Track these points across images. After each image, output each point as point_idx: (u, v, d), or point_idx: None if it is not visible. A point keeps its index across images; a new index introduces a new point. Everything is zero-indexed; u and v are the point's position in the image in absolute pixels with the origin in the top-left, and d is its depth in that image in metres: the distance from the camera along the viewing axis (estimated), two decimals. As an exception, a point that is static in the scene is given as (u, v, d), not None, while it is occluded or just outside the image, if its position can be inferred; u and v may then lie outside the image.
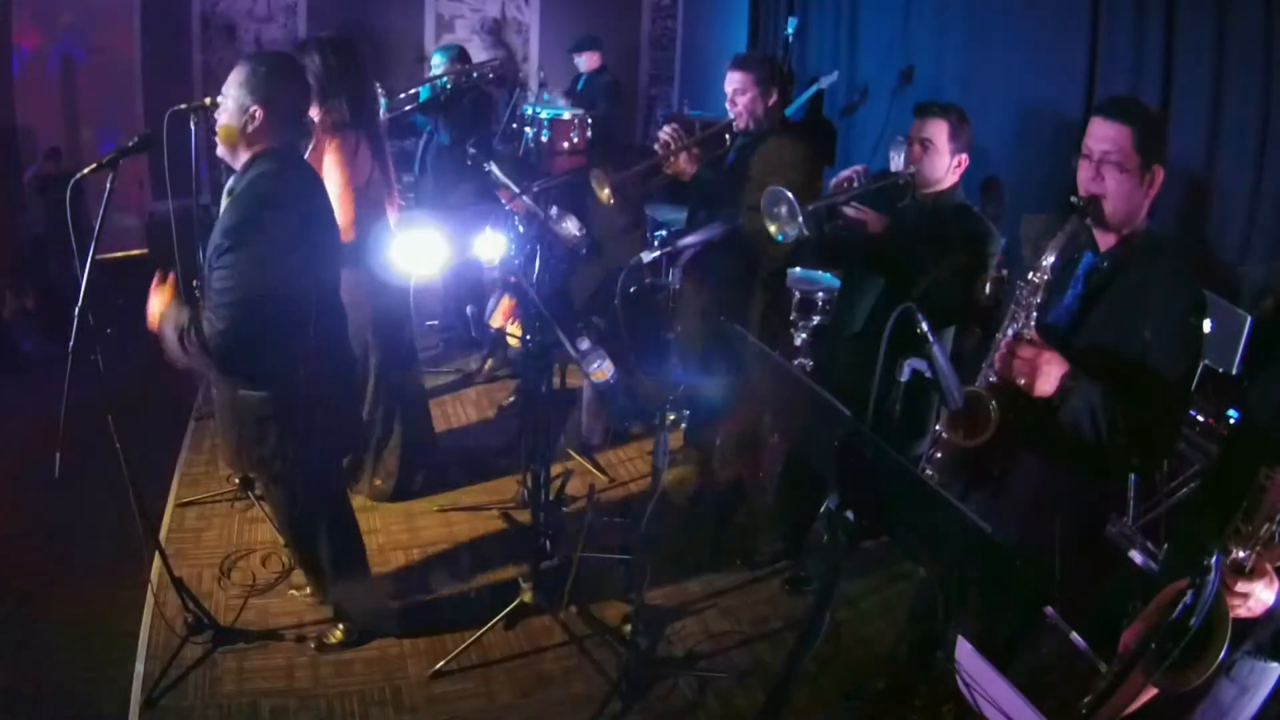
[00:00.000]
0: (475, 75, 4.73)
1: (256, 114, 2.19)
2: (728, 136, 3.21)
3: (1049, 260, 1.96)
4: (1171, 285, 1.95)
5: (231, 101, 2.21)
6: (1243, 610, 1.52)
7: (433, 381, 4.79)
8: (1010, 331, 2.02)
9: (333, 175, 3.00)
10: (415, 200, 5.01)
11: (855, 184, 2.77)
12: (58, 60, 5.96)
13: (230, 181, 2.31)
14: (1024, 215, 2.16)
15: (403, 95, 4.42)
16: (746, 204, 2.92)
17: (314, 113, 3.06)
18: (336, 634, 2.78)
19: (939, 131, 2.67)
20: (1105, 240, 2.03)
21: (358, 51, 3.08)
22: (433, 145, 4.81)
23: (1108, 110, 1.95)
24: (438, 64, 4.77)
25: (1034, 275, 1.98)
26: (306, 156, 3.14)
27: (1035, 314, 2.00)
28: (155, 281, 2.35)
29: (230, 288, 2.14)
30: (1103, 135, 1.94)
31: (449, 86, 4.62)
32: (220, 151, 2.30)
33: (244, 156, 2.25)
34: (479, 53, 7.79)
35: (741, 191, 3.07)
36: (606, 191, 3.19)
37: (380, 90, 3.85)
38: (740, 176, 3.12)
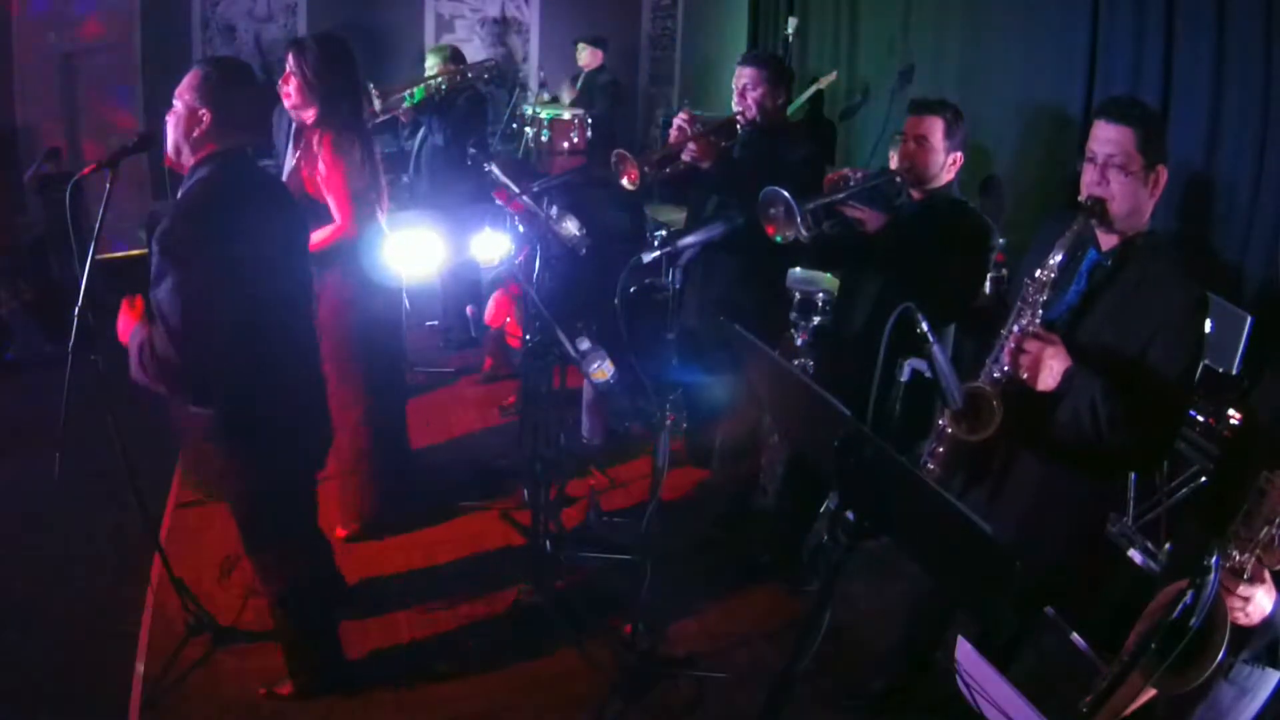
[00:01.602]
0: (470, 75, 4.72)
1: (204, 117, 2.15)
2: (738, 128, 3.20)
3: (1056, 258, 1.97)
4: (1173, 284, 1.95)
5: (182, 105, 2.18)
6: (1241, 616, 1.51)
7: (433, 381, 4.80)
8: (1016, 327, 2.02)
9: (329, 175, 2.99)
10: (411, 200, 5.02)
11: (850, 182, 2.77)
12: (58, 60, 5.96)
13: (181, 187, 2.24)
14: (1053, 214, 2.19)
15: (395, 96, 4.41)
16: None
17: (308, 115, 3.06)
18: (287, 685, 2.61)
19: (934, 129, 2.66)
20: (1108, 240, 2.04)
21: (350, 51, 3.08)
22: (428, 146, 4.81)
23: (1110, 112, 1.96)
24: (431, 65, 4.77)
25: (1040, 272, 1.99)
26: (298, 158, 3.13)
27: (1040, 310, 2.01)
28: (125, 303, 2.29)
29: (175, 301, 2.07)
30: (1106, 137, 1.95)
31: (444, 87, 4.61)
32: (169, 151, 2.24)
33: (190, 161, 2.21)
34: (480, 52, 7.80)
35: (748, 189, 3.06)
36: (634, 174, 3.16)
37: (374, 91, 3.85)
38: (747, 173, 3.12)
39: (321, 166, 2.98)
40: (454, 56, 4.80)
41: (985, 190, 4.51)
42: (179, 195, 2.20)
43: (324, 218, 3.02)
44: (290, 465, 2.47)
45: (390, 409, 3.49)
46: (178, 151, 2.23)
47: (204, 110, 2.16)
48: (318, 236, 2.91)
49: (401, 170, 5.13)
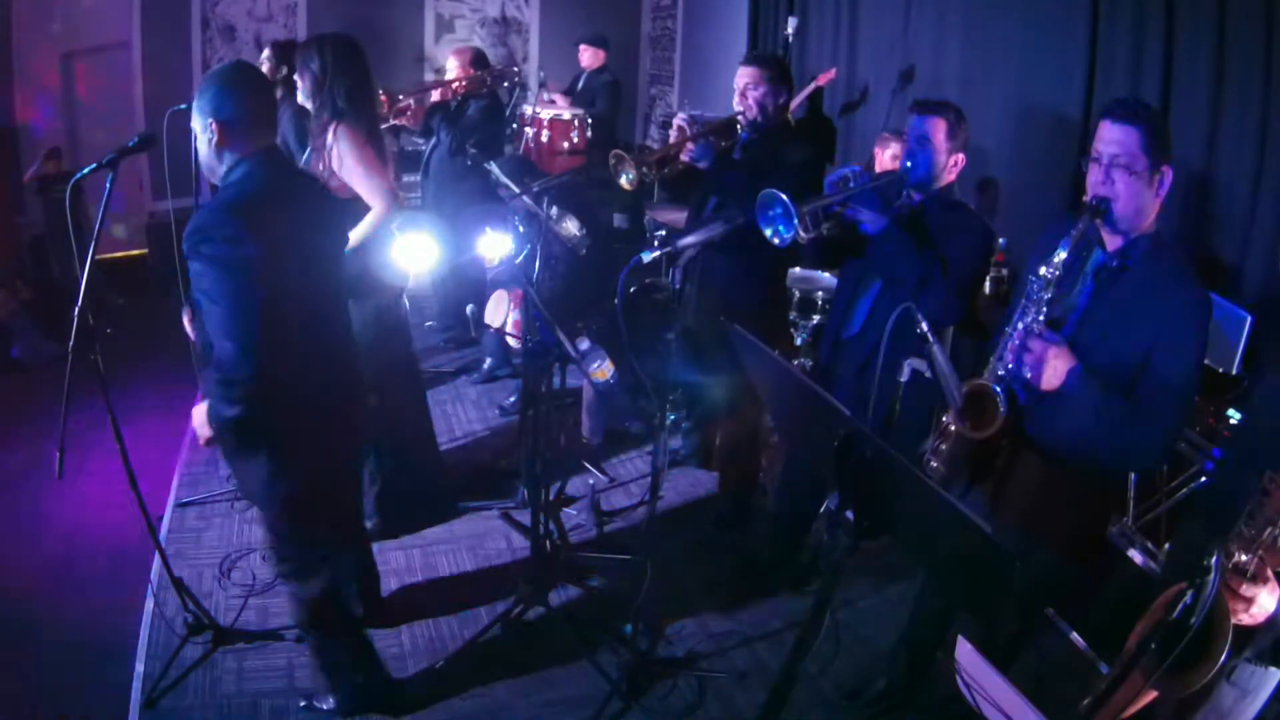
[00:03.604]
0: (490, 82, 4.70)
1: (213, 127, 2.15)
2: (739, 128, 3.19)
3: (1061, 257, 1.97)
4: (1177, 285, 1.96)
5: (197, 119, 2.19)
6: (1244, 616, 1.51)
7: (433, 381, 4.79)
8: (1021, 325, 2.03)
9: (349, 164, 2.98)
10: (420, 202, 5.02)
11: (851, 184, 2.77)
12: (58, 60, 5.96)
13: None
14: (1053, 214, 2.20)
15: (401, 95, 4.40)
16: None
17: (321, 113, 3.05)
18: (329, 702, 2.58)
19: (936, 129, 2.66)
20: (1113, 240, 2.04)
21: (357, 48, 3.08)
22: (437, 152, 4.81)
23: (1116, 113, 1.96)
24: (452, 68, 4.74)
25: (1046, 271, 1.99)
26: (312, 155, 3.12)
27: (1045, 309, 2.01)
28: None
29: (217, 290, 2.04)
30: (1111, 138, 1.95)
31: (461, 94, 4.59)
32: (205, 172, 2.26)
33: (220, 170, 2.22)
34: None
35: (748, 189, 3.06)
36: (632, 175, 3.14)
37: (383, 95, 3.83)
38: (747, 174, 3.12)
39: (342, 161, 2.98)
40: (476, 61, 4.76)
41: (983, 190, 4.52)
42: (210, 199, 2.20)
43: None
44: (327, 466, 2.42)
45: (404, 408, 3.49)
46: (210, 169, 2.23)
47: (210, 121, 2.15)
48: (362, 229, 2.90)
49: (411, 171, 5.13)
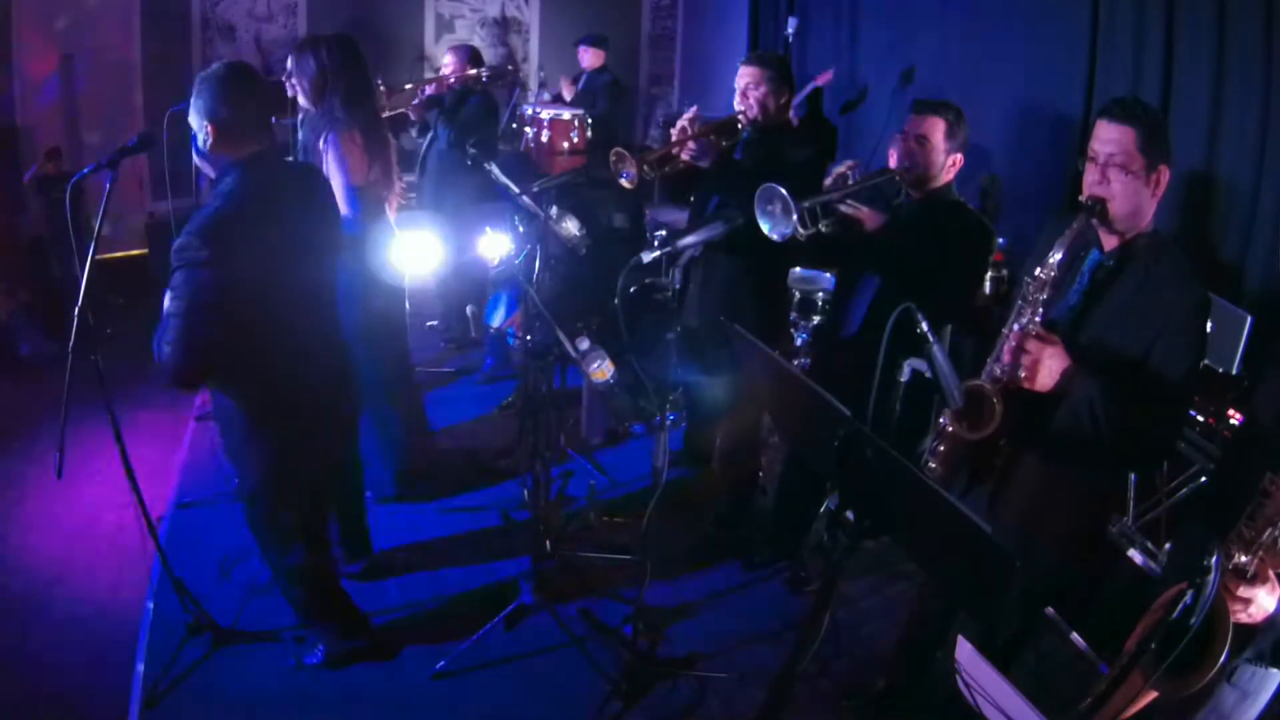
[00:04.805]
0: (485, 80, 4.71)
1: (208, 129, 2.17)
2: (740, 127, 3.19)
3: (1057, 257, 1.97)
4: (1176, 285, 1.95)
5: (193, 122, 2.21)
6: (1243, 616, 1.51)
7: (433, 382, 4.79)
8: (1017, 326, 2.03)
9: (332, 172, 2.99)
10: (417, 201, 5.01)
11: (850, 180, 2.77)
12: (58, 60, 5.95)
13: None
14: (1053, 214, 2.20)
15: (405, 91, 4.40)
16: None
17: (315, 113, 3.06)
18: (314, 652, 2.75)
19: (935, 129, 2.66)
20: (1110, 240, 2.04)
21: (356, 49, 3.07)
22: (435, 147, 4.80)
23: (1112, 112, 1.96)
24: (449, 64, 4.75)
25: (1041, 271, 1.99)
26: (315, 159, 3.13)
27: (1041, 310, 2.01)
28: None
29: (175, 304, 2.10)
30: (1107, 137, 1.95)
31: (458, 89, 4.60)
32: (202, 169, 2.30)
33: (214, 173, 2.24)
34: (483, 50, 7.80)
35: (749, 189, 3.06)
36: (633, 173, 3.13)
37: (382, 88, 3.84)
38: (748, 173, 3.11)
39: (326, 162, 2.98)
40: (473, 59, 4.78)
41: (983, 190, 4.52)
42: (201, 207, 2.21)
43: None
44: (302, 455, 2.49)
45: (400, 406, 3.51)
46: (205, 168, 2.26)
47: (206, 123, 2.17)
48: None
49: (409, 170, 5.13)
